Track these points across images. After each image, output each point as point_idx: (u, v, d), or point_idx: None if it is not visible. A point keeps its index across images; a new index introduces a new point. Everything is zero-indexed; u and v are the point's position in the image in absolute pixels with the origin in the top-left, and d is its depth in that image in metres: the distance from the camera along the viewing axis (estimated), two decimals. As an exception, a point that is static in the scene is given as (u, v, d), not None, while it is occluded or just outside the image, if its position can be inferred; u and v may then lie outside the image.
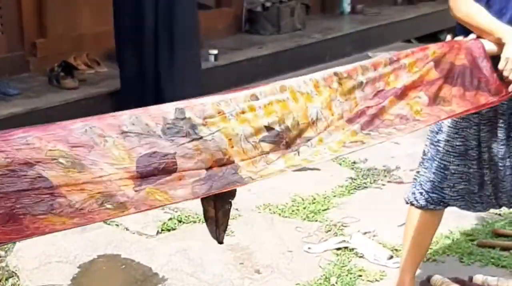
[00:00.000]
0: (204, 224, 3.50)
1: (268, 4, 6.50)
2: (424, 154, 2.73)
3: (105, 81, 4.82)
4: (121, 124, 1.61)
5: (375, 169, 4.25)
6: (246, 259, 3.22)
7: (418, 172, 2.75)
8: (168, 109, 1.68)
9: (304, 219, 3.61)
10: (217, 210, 1.84)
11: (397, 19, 7.43)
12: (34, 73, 4.95)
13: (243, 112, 1.79)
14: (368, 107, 2.11)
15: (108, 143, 1.58)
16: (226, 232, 3.44)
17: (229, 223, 3.52)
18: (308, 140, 1.89)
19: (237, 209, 3.63)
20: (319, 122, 1.94)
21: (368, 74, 2.17)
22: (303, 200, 3.81)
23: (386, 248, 3.27)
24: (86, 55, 5.06)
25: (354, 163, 4.29)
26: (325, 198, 3.86)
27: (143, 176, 1.61)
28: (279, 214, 3.67)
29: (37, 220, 1.49)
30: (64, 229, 1.55)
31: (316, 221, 3.59)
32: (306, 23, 6.75)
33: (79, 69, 4.87)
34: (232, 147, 1.75)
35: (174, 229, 3.48)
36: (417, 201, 2.74)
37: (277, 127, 1.84)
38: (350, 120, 2.01)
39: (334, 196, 3.89)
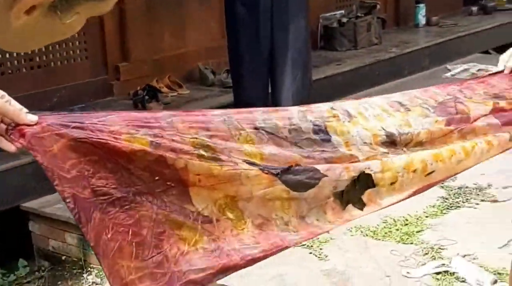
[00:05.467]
0: (299, 248, 3.49)
1: (344, 20, 6.44)
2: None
3: (189, 103, 4.84)
4: (254, 119, 1.65)
5: (466, 187, 4.13)
6: None
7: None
8: (292, 112, 1.74)
9: (399, 242, 3.53)
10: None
11: (474, 30, 7.27)
12: (118, 96, 5.01)
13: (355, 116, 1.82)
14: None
15: (241, 136, 1.61)
16: (320, 256, 3.42)
17: (322, 247, 3.51)
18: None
19: (328, 232, 3.58)
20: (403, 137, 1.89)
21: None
22: (395, 221, 3.73)
23: (489, 272, 3.17)
24: (168, 78, 5.10)
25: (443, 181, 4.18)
26: (417, 218, 3.76)
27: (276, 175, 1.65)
28: (372, 237, 3.59)
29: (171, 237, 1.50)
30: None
31: (412, 243, 3.50)
32: (382, 37, 6.68)
33: (162, 92, 4.91)
34: (350, 149, 1.76)
35: (267, 254, 3.45)
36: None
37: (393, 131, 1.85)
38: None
39: (427, 217, 3.80)
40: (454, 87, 2.16)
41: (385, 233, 3.62)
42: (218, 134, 1.59)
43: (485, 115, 2.06)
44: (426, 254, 3.39)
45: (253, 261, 1.59)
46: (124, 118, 1.49)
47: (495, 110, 2.09)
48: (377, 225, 3.69)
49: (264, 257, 1.61)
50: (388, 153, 1.83)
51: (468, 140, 2.00)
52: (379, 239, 3.57)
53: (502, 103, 2.13)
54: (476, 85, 2.20)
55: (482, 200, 4.00)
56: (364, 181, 1.76)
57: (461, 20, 7.66)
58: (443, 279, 3.15)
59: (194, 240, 1.54)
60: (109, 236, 1.47)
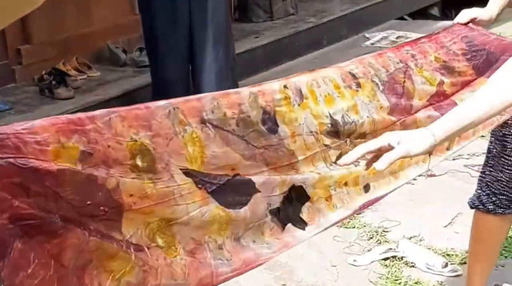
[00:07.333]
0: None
1: (258, -11, 6.16)
2: (489, 151, 2.45)
3: (101, 87, 4.46)
4: (202, 109, 1.53)
5: (401, 161, 3.97)
6: (288, 279, 2.93)
7: (483, 172, 2.47)
8: (243, 96, 1.64)
9: (340, 226, 3.31)
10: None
11: (388, -4, 7.14)
12: (21, 83, 4.57)
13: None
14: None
15: (187, 133, 1.49)
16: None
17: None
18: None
19: (263, 263, 3.33)
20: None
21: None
22: (332, 203, 3.52)
23: (437, 254, 3.00)
24: (76, 59, 4.69)
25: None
26: (355, 199, 3.56)
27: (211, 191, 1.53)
28: (311, 222, 3.37)
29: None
30: None
31: (354, 227, 3.30)
32: (298, 6, 6.44)
33: (71, 75, 4.50)
34: (295, 141, 1.70)
35: (201, 249, 3.17)
36: (483, 205, 2.46)
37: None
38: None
39: (365, 196, 3.60)
40: (408, 50, 2.15)
41: (324, 217, 3.41)
42: (161, 133, 1.45)
43: (425, 107, 2.10)
44: (371, 238, 3.19)
45: None
46: (52, 123, 1.30)
47: (437, 94, 2.13)
48: (314, 208, 3.47)
49: None
50: (330, 147, 1.81)
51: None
52: (319, 224, 3.35)
53: (446, 83, 2.15)
54: (428, 46, 2.19)
55: (419, 175, 3.83)
56: (297, 195, 1.70)
57: (374, -14, 7.51)
58: (392, 265, 2.96)
59: (123, 271, 1.39)
60: (29, 271, 1.27)
